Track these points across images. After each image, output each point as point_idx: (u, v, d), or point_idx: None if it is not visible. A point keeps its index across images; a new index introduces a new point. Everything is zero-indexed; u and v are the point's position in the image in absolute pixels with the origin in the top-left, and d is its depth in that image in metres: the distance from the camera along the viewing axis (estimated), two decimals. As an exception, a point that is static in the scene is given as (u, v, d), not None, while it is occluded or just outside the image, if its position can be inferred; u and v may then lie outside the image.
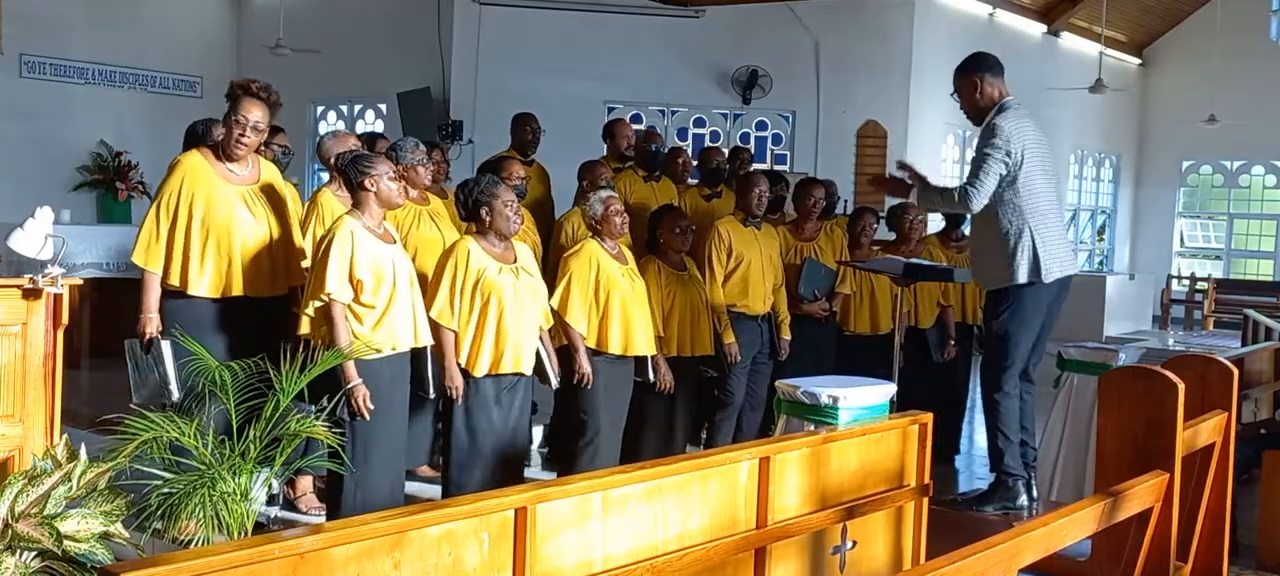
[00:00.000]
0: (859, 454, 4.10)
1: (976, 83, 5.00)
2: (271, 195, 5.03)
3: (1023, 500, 5.08)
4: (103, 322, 8.21)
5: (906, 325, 6.72)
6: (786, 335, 6.52)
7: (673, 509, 3.39)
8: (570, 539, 3.08)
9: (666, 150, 7.53)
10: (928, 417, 4.37)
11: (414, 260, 5.04)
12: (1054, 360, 5.96)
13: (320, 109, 14.69)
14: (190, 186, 4.78)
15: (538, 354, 5.11)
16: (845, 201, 9.65)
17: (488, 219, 4.93)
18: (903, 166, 5.26)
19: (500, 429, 4.98)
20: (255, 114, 4.82)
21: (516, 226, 5.04)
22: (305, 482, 5.42)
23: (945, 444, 6.88)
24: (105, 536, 3.30)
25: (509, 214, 4.95)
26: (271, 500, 4.63)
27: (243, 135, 4.82)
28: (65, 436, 3.64)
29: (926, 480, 4.37)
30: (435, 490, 5.32)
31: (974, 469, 7.10)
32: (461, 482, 4.85)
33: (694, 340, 6.00)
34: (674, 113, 13.28)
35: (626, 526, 3.24)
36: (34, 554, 3.18)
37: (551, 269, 5.83)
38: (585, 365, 5.35)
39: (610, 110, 12.57)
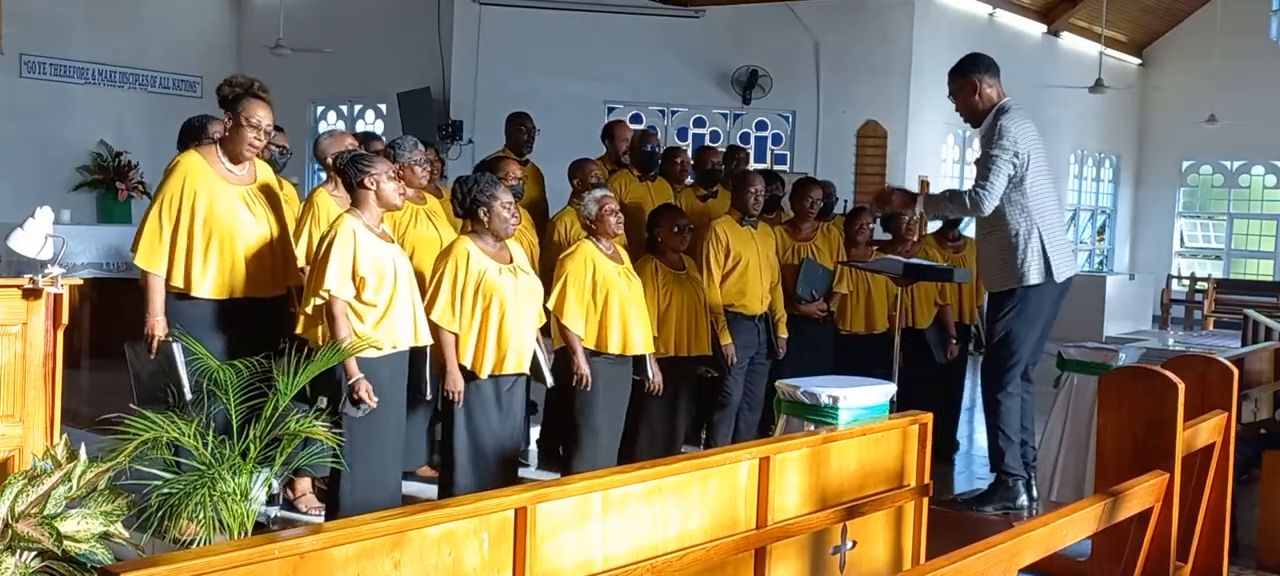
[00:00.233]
0: (859, 454, 4.10)
1: (975, 84, 4.99)
2: (269, 195, 5.03)
3: (1023, 500, 5.07)
4: (103, 322, 8.22)
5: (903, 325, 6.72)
6: (783, 334, 6.51)
7: (673, 509, 3.39)
8: (570, 539, 3.08)
9: (662, 150, 7.51)
10: (928, 417, 4.37)
11: (411, 259, 5.04)
12: (1054, 360, 5.96)
13: (320, 109, 14.69)
14: (192, 187, 4.76)
15: (533, 353, 5.11)
16: (845, 201, 9.66)
17: (485, 219, 4.93)
18: (882, 197, 5.29)
19: (500, 430, 4.98)
20: (265, 115, 4.82)
21: (513, 227, 5.04)
22: (304, 483, 5.42)
23: (943, 443, 6.88)
24: (105, 536, 3.30)
25: (506, 215, 4.94)
26: (271, 500, 4.64)
27: (257, 138, 4.82)
28: (65, 436, 3.64)
29: (926, 480, 4.38)
30: (433, 490, 5.31)
31: (974, 469, 7.10)
32: (462, 483, 4.85)
33: (692, 340, 6.00)
34: (674, 113, 13.28)
35: (626, 526, 3.24)
36: (34, 554, 3.18)
37: (546, 269, 5.82)
38: (584, 367, 5.34)
39: (610, 110, 12.57)
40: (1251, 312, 8.91)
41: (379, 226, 4.70)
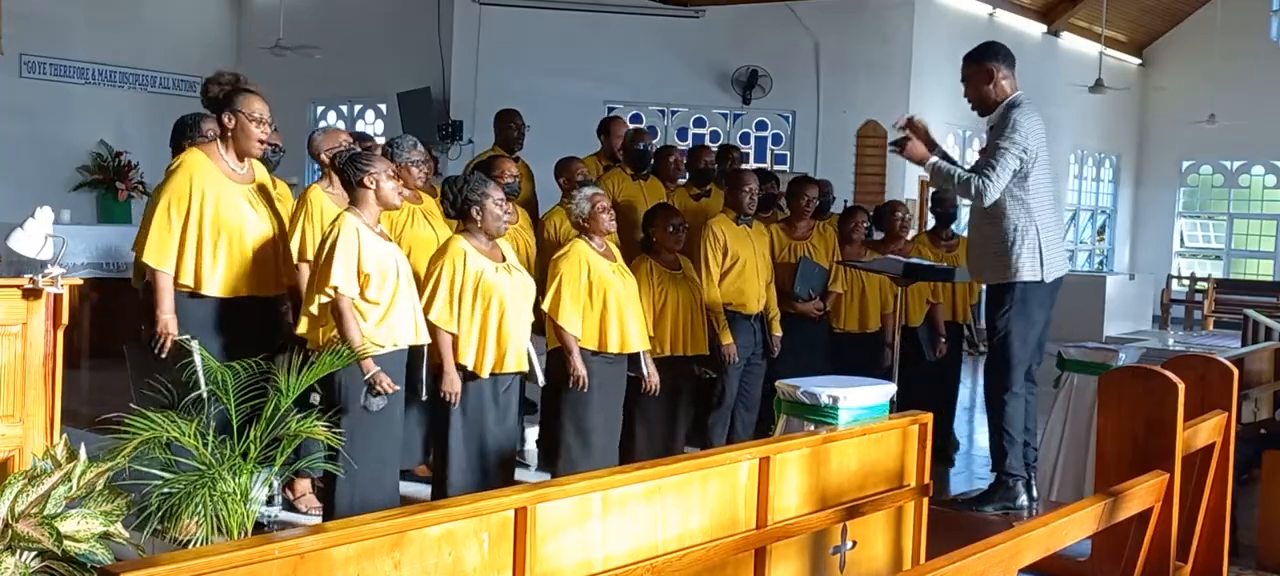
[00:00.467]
0: (859, 454, 4.10)
1: (991, 72, 4.95)
2: (266, 194, 5.04)
3: (1023, 500, 5.07)
4: (103, 322, 8.23)
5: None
6: (778, 331, 6.50)
7: (673, 509, 3.39)
8: (570, 539, 3.08)
9: (656, 149, 7.46)
10: (928, 417, 4.37)
11: (408, 258, 5.03)
12: (1054, 360, 5.96)
13: (320, 109, 14.69)
14: (200, 185, 4.75)
15: (527, 353, 5.10)
16: (844, 201, 9.64)
17: (478, 218, 4.92)
18: (910, 124, 5.14)
19: (497, 429, 4.97)
20: (264, 108, 4.83)
21: (506, 225, 5.03)
22: (304, 483, 5.41)
23: (942, 443, 6.88)
24: (105, 536, 3.30)
25: (499, 212, 4.93)
26: (270, 500, 4.63)
27: (263, 131, 4.82)
28: (65, 436, 3.64)
29: (926, 480, 4.38)
30: (428, 490, 5.30)
31: (974, 469, 7.10)
32: (459, 483, 4.84)
33: (690, 340, 5.97)
34: (674, 113, 13.28)
35: (626, 526, 3.24)
36: (34, 554, 3.18)
37: (540, 269, 5.80)
38: (580, 367, 5.31)
39: (610, 110, 12.56)
40: (1251, 313, 8.90)
41: (377, 225, 4.70)
